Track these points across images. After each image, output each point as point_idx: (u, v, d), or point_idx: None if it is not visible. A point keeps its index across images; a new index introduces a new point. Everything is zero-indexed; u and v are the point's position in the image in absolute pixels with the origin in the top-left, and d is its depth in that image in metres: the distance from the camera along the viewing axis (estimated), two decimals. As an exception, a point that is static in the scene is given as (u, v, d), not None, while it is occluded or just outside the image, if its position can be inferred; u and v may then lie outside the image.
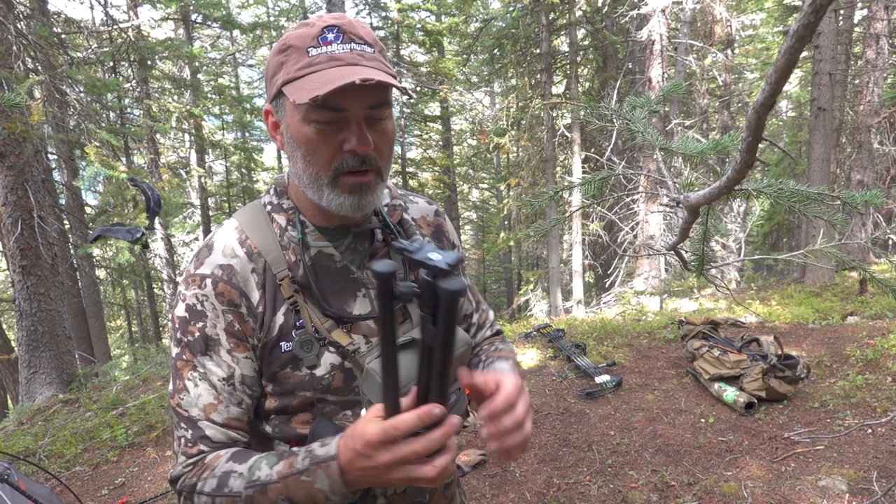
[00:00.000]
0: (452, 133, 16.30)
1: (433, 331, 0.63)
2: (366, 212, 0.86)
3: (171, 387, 0.89)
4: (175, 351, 0.87)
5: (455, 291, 0.60)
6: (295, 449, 0.81)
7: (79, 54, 7.70)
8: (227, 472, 0.82)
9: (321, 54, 0.77)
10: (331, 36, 0.78)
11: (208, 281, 0.85)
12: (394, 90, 0.80)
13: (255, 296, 0.86)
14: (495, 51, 11.77)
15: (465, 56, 13.21)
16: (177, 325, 0.86)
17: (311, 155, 0.81)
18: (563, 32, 11.62)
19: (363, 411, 0.85)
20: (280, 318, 0.86)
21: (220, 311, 0.84)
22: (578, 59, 11.58)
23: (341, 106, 0.77)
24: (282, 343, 0.86)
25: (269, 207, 0.91)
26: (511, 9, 11.00)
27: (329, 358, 0.87)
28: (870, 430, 3.18)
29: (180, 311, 0.86)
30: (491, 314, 1.17)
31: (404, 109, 13.84)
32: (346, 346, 0.87)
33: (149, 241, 6.19)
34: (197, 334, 0.85)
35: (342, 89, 0.73)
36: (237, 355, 0.86)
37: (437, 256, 0.63)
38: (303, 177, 0.84)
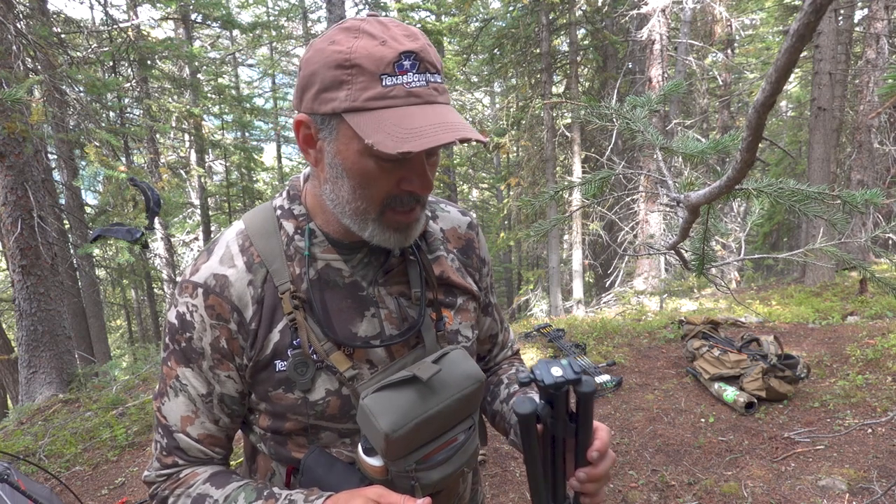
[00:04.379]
0: (452, 133, 16.26)
1: (573, 427, 0.73)
2: (408, 244, 0.81)
3: (157, 387, 0.87)
4: (163, 355, 0.85)
5: (591, 392, 0.70)
6: (276, 490, 0.80)
7: (79, 54, 7.71)
8: (202, 496, 0.81)
9: (397, 86, 0.68)
10: (407, 63, 0.69)
11: (200, 291, 0.79)
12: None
13: (250, 311, 0.80)
14: (495, 51, 11.76)
15: (465, 56, 13.20)
16: (167, 331, 0.83)
17: (363, 188, 0.74)
18: (563, 32, 11.62)
19: (360, 447, 0.79)
20: (276, 336, 0.80)
21: (209, 325, 0.79)
22: (578, 58, 11.57)
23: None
24: (276, 362, 0.80)
25: (279, 212, 0.85)
26: (511, 9, 10.99)
27: (325, 382, 0.80)
28: (870, 430, 3.18)
29: (172, 316, 0.82)
30: (511, 334, 1.14)
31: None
32: (344, 372, 0.79)
33: (149, 241, 6.18)
34: (183, 344, 0.81)
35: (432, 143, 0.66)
36: (219, 373, 0.82)
37: (559, 371, 0.70)
38: (345, 207, 0.76)
